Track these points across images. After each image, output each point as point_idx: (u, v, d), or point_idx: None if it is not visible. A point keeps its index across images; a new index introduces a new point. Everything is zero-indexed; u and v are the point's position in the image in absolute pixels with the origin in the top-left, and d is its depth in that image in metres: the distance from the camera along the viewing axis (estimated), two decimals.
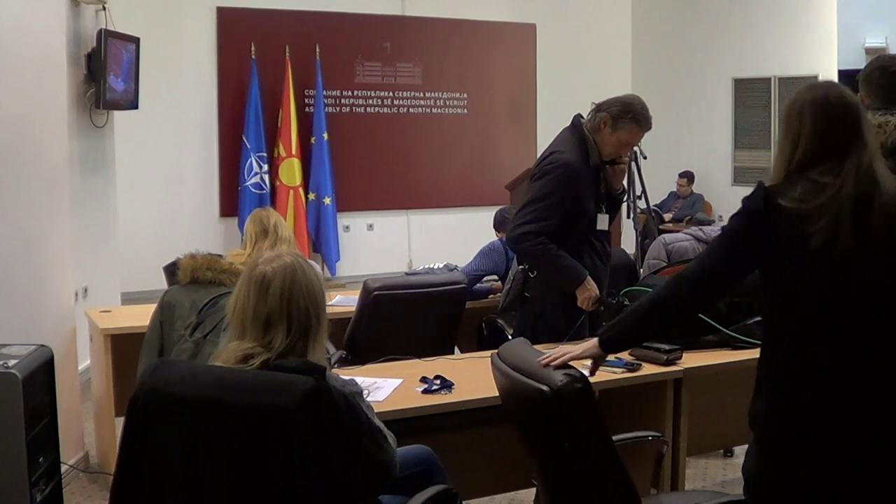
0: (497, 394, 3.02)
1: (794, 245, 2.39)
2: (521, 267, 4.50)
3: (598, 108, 4.35)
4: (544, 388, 2.60)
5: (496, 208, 6.26)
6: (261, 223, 4.55)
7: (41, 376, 3.90)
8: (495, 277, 5.74)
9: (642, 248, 6.12)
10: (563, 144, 4.40)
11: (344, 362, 4.70)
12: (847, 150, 2.41)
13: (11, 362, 3.70)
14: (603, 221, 4.45)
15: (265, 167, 10.15)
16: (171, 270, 4.54)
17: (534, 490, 3.70)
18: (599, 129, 4.32)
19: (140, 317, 4.66)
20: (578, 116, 4.43)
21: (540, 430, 2.77)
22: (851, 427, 2.36)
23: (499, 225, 5.97)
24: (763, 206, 2.44)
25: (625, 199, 4.83)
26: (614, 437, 3.31)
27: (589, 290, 4.30)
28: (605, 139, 4.32)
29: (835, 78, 10.20)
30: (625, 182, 4.81)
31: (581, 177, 4.31)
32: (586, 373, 2.76)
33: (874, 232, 2.34)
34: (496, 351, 2.99)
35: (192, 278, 4.15)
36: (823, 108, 2.46)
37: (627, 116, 4.28)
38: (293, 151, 10.23)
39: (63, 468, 4.32)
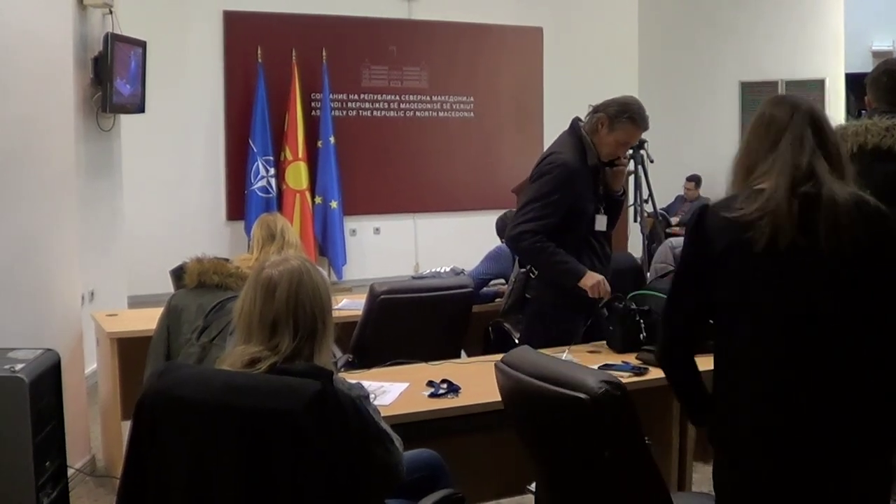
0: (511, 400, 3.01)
1: (741, 253, 2.42)
2: (522, 269, 4.51)
3: (596, 110, 4.41)
4: (582, 396, 2.56)
5: (503, 211, 6.26)
6: (268, 228, 4.56)
7: (48, 380, 3.90)
8: (502, 281, 5.72)
9: (649, 251, 6.11)
10: (560, 146, 4.46)
11: (350, 366, 4.69)
12: (776, 151, 2.45)
13: (18, 366, 3.70)
14: (601, 222, 4.46)
15: (272, 171, 10.16)
16: (178, 274, 4.53)
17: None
18: (597, 130, 4.36)
19: (146, 320, 4.66)
20: (577, 119, 4.48)
21: (572, 438, 2.72)
22: (806, 421, 2.37)
23: (501, 231, 5.96)
24: (696, 221, 2.52)
25: (631, 202, 4.83)
26: None
27: (593, 278, 4.29)
28: (603, 139, 4.36)
29: (842, 81, 10.21)
30: (631, 186, 4.81)
31: (579, 176, 4.34)
32: None
33: (820, 233, 2.35)
34: (501, 357, 2.98)
35: (198, 282, 4.15)
36: (756, 119, 2.55)
37: (624, 116, 4.33)
38: (300, 155, 10.23)
39: (69, 472, 4.32)
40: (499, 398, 3.06)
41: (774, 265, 2.39)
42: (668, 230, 10.05)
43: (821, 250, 2.34)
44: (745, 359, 2.46)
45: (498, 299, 5.65)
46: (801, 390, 2.37)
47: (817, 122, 2.49)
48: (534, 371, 2.78)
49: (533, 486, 3.26)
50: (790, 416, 2.38)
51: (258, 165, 10.11)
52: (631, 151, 5.66)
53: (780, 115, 2.49)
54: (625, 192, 4.74)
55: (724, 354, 2.54)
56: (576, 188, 4.32)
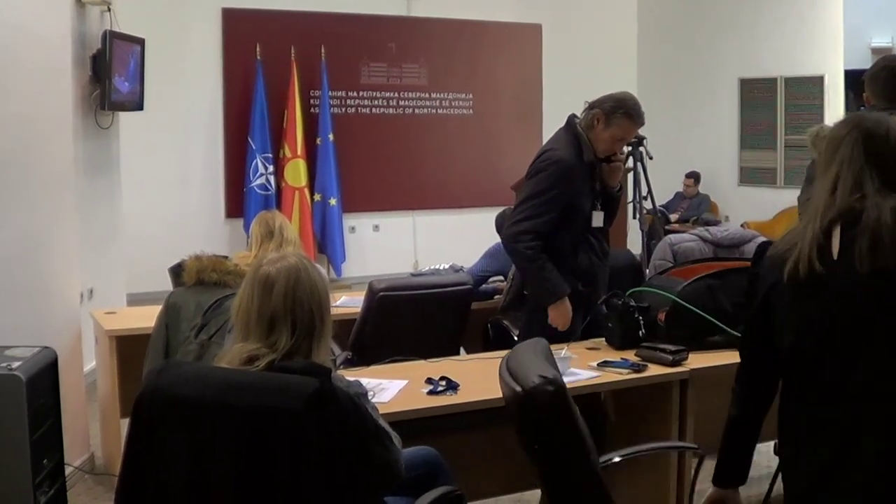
0: (502, 395, 3.01)
1: (777, 285, 2.33)
2: None
3: (591, 106, 4.41)
4: (517, 388, 2.62)
5: (502, 208, 6.24)
6: (266, 225, 4.56)
7: (45, 378, 3.90)
8: (501, 278, 5.73)
9: (648, 248, 6.11)
10: (556, 142, 4.46)
11: (349, 363, 4.69)
12: (820, 177, 2.36)
13: (15, 364, 3.70)
14: (598, 219, 4.46)
15: (270, 168, 10.15)
16: (177, 272, 4.53)
17: (539, 492, 3.70)
18: (593, 126, 4.36)
19: (145, 318, 4.66)
20: (573, 116, 4.47)
21: (517, 429, 2.78)
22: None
23: (500, 228, 5.94)
24: (755, 263, 2.50)
25: (630, 199, 4.83)
26: (647, 446, 3.32)
27: (561, 312, 4.29)
28: (599, 135, 4.36)
29: (841, 78, 10.20)
30: (631, 182, 4.81)
31: (575, 173, 4.33)
32: None
33: (858, 251, 2.20)
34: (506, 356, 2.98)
35: (197, 280, 4.15)
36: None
37: (619, 112, 4.32)
38: (299, 152, 10.22)
39: (68, 470, 4.32)
40: (498, 395, 3.06)
41: (805, 295, 2.27)
42: (667, 227, 10.04)
43: (856, 270, 2.19)
44: (785, 395, 2.36)
45: (497, 296, 5.66)
46: (851, 431, 2.21)
47: (874, 134, 2.32)
48: (508, 363, 2.84)
49: None
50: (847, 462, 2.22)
51: (257, 163, 10.10)
52: (630, 148, 5.67)
53: (839, 134, 2.35)
54: (622, 189, 4.73)
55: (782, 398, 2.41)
56: (572, 184, 4.32)
